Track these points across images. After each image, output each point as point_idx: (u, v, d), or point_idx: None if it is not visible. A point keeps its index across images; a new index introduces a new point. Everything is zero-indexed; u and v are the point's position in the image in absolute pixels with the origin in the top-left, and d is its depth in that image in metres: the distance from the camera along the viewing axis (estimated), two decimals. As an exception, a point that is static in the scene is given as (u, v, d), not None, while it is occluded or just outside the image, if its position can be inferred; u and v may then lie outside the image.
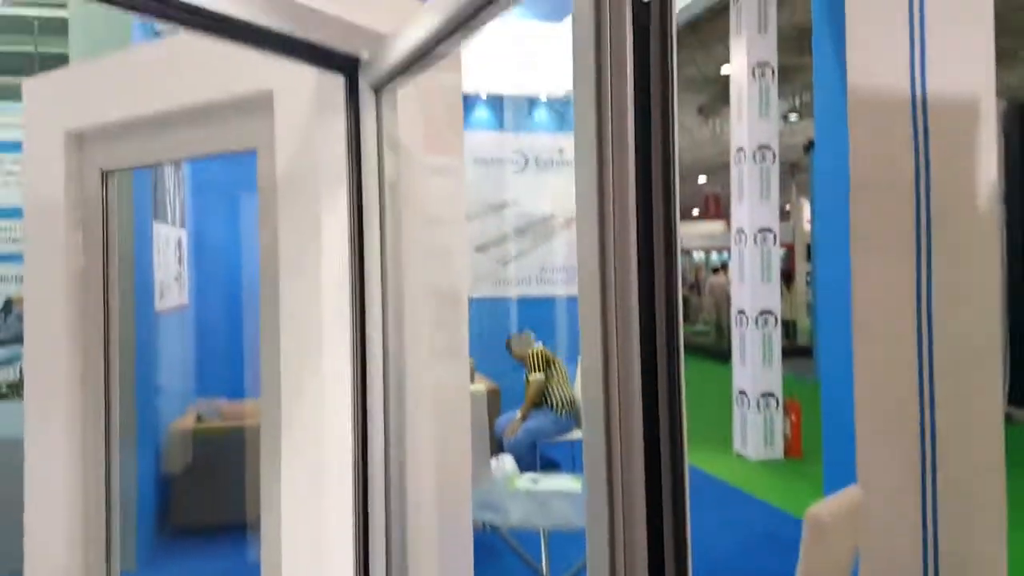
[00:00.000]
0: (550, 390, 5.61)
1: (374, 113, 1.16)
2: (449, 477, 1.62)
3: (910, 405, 3.38)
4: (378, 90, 1.17)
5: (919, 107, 3.13)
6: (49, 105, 1.76)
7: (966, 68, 3.14)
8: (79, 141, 1.73)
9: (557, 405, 5.59)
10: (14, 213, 4.12)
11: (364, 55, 1.18)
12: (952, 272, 3.24)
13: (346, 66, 1.19)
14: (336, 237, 1.31)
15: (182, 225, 4.62)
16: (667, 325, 0.62)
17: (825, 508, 2.14)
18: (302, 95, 1.32)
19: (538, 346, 5.92)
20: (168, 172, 4.28)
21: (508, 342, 6.08)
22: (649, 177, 0.62)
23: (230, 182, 4.92)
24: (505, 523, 3.17)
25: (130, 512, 1.84)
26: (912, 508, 3.38)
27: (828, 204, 3.58)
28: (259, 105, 1.42)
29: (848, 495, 2.31)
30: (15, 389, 4.11)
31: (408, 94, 1.25)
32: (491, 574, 4.21)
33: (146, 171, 3.35)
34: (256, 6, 0.99)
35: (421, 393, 1.44)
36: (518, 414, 5.63)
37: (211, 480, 4.15)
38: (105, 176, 1.73)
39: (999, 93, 3.07)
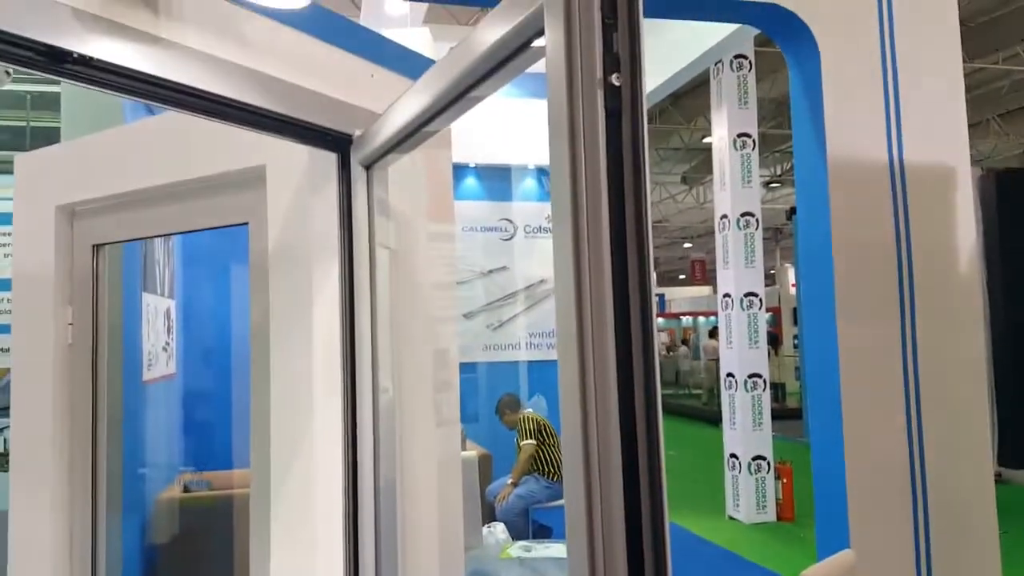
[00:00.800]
0: (542, 456, 5.56)
1: (365, 189, 1.20)
2: (441, 546, 1.60)
3: (901, 467, 3.37)
4: (368, 167, 1.20)
5: (897, 174, 3.21)
6: (41, 180, 1.79)
7: (941, 136, 3.25)
8: (70, 216, 1.75)
9: (549, 471, 5.54)
10: (3, 285, 4.11)
11: (357, 133, 1.22)
12: (936, 334, 3.28)
13: (339, 144, 1.23)
14: (327, 309, 1.33)
15: (171, 295, 4.62)
16: (645, 388, 0.64)
17: (818, 571, 2.11)
18: (295, 170, 1.35)
19: (528, 411, 5.88)
20: (158, 243, 4.30)
21: (499, 406, 6.04)
22: (624, 245, 0.65)
23: (220, 252, 4.94)
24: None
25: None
26: (907, 570, 3.34)
27: (811, 269, 3.63)
28: (251, 180, 1.45)
29: (841, 559, 2.28)
30: (0, 461, 4.04)
31: (399, 167, 1.28)
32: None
33: (136, 242, 3.36)
34: (252, 89, 1.03)
35: (413, 461, 1.44)
36: (509, 480, 5.56)
37: (198, 550, 4.06)
38: (96, 250, 1.75)
39: (973, 161, 3.17)
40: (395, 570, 1.39)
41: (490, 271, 7.65)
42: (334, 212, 1.26)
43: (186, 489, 4.29)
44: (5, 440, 3.99)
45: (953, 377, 3.31)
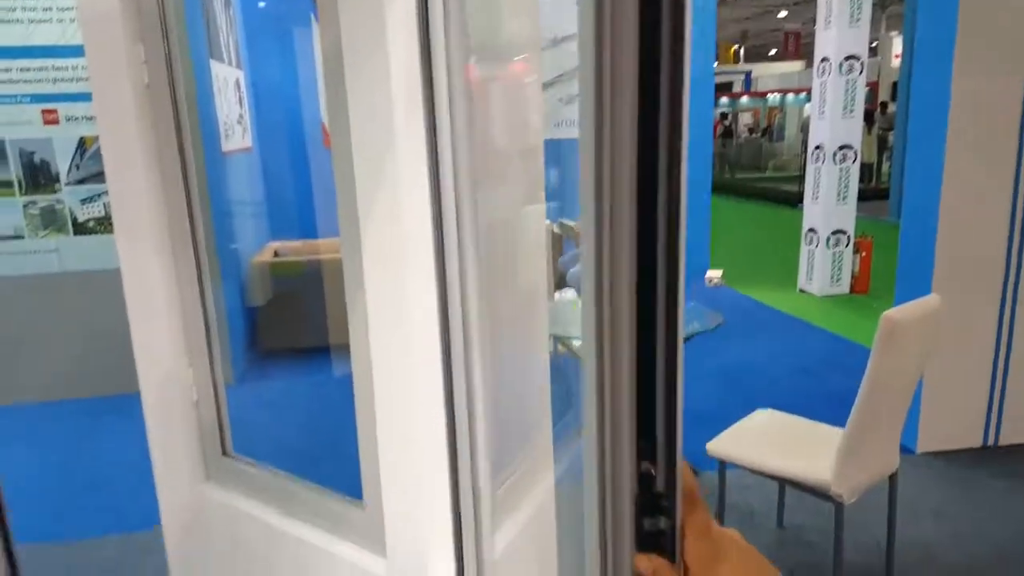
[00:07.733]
0: None
1: None
2: (526, 298, 1.61)
3: (999, 225, 3.25)
4: None
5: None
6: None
7: None
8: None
9: None
10: (73, 52, 4.09)
11: None
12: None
13: None
14: (403, 35, 1.23)
15: (238, 66, 4.53)
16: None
17: (900, 312, 2.06)
18: None
19: None
20: (219, 9, 4.15)
21: None
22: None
23: (281, 18, 4.78)
24: (565, 332, 3.28)
25: (223, 336, 1.91)
26: (989, 325, 3.34)
27: (929, 32, 3.30)
28: None
29: (926, 302, 2.21)
30: (102, 224, 4.28)
31: None
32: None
33: (196, 8, 3.23)
34: None
35: (497, 212, 1.40)
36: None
37: (293, 309, 4.36)
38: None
39: None
40: (484, 312, 1.40)
41: (563, 38, 7.22)
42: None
43: (276, 254, 4.49)
44: (105, 204, 4.19)
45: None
